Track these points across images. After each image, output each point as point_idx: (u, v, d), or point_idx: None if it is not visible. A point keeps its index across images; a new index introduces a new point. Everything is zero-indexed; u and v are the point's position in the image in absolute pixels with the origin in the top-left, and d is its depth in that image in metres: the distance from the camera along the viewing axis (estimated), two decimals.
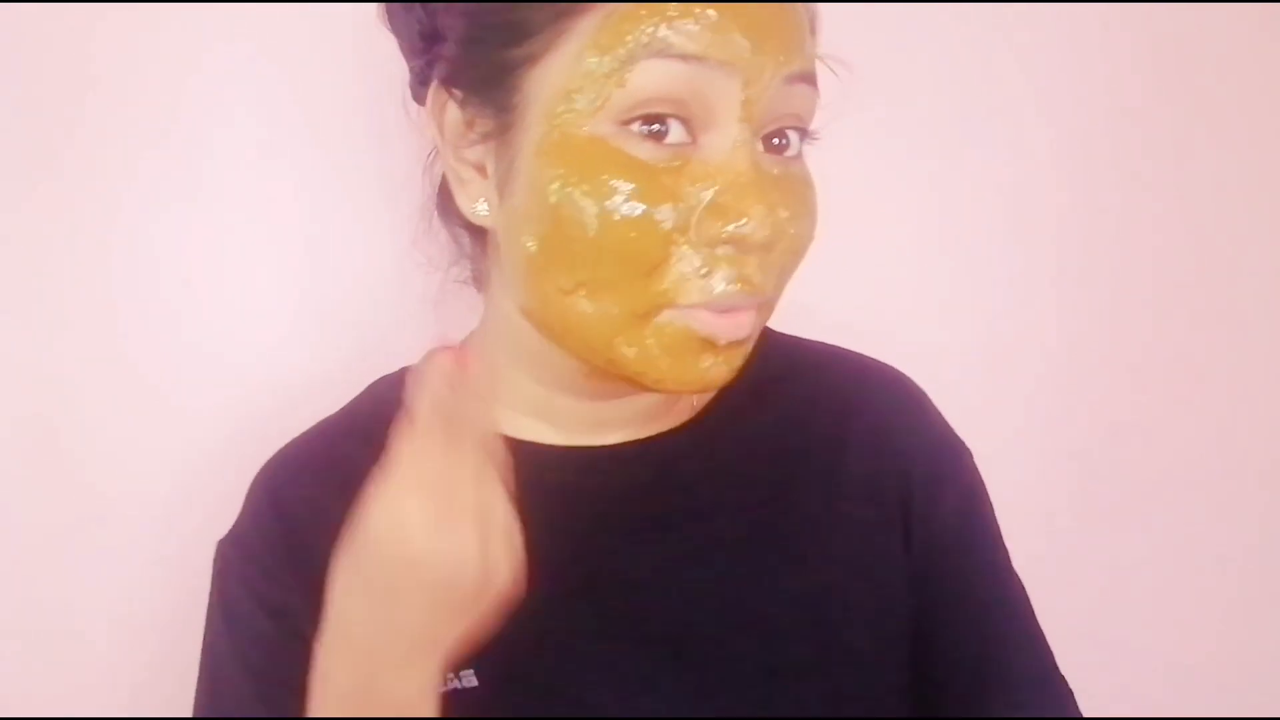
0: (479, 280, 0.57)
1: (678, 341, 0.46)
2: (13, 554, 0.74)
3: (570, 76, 0.44)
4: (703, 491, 0.54)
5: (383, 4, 0.51)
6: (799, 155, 0.48)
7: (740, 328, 0.46)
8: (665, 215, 0.43)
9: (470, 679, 0.50)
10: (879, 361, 0.60)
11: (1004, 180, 0.90)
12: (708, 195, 0.43)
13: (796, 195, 0.47)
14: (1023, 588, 0.56)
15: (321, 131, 0.75)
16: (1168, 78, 0.92)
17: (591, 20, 0.43)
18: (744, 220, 0.43)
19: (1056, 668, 0.55)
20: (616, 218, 0.43)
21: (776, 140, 0.47)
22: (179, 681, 0.56)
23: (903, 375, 0.59)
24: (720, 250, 0.44)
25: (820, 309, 0.63)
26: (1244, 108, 0.95)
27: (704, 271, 0.44)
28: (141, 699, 0.76)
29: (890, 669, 0.54)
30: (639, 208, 0.43)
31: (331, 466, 0.53)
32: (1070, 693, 0.54)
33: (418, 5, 0.49)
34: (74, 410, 0.75)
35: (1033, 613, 0.56)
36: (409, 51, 0.52)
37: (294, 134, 0.75)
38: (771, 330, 0.59)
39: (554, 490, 0.51)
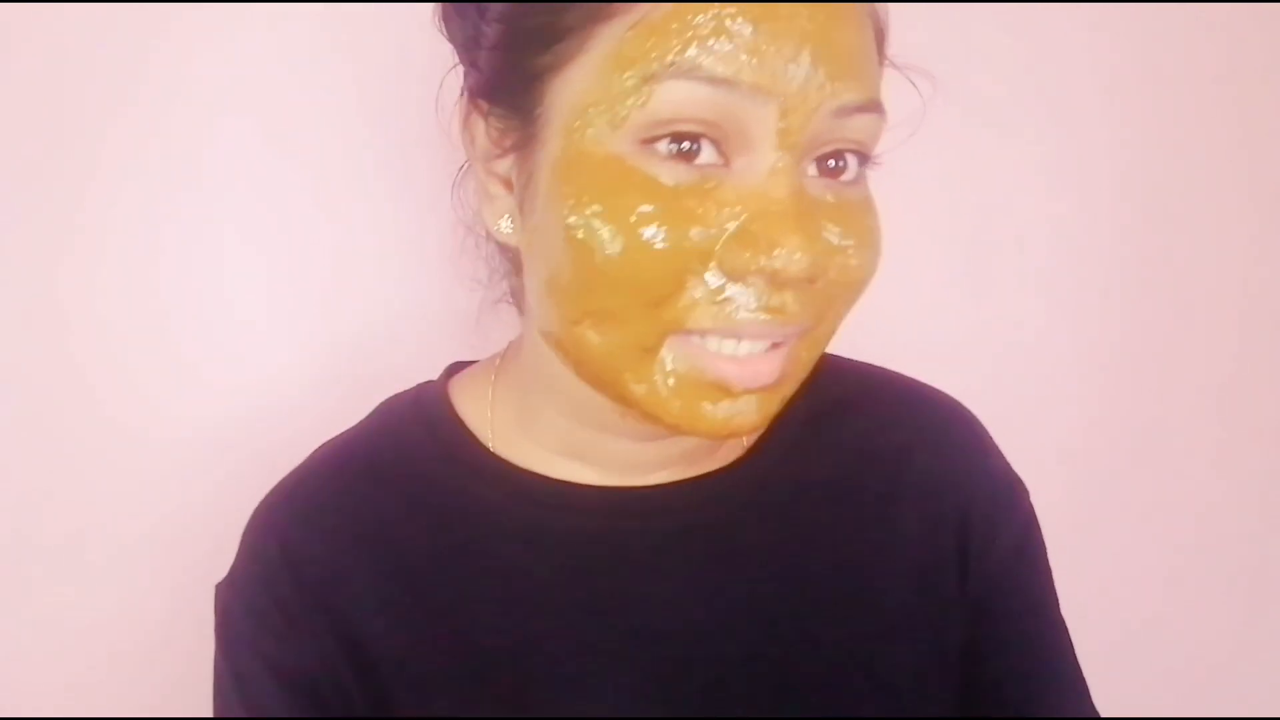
0: (517, 300, 0.52)
1: (688, 383, 0.41)
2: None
3: (589, 90, 0.39)
4: (751, 535, 0.50)
5: (438, 6, 0.47)
6: (858, 179, 0.43)
7: (759, 376, 0.41)
8: (685, 242, 0.39)
9: None
10: (936, 390, 0.56)
11: (1002, 184, 0.89)
12: (735, 223, 0.39)
13: (851, 223, 0.42)
14: (1065, 626, 0.55)
15: (350, 138, 0.73)
16: (1176, 80, 0.91)
17: (619, 26, 0.39)
18: (776, 252, 0.38)
19: (1093, 707, 0.54)
20: (629, 244, 0.38)
21: (832, 163, 0.42)
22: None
23: (962, 407, 0.56)
24: (749, 282, 0.40)
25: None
26: (1244, 108, 0.94)
27: (720, 297, 0.40)
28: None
29: (936, 709, 0.52)
30: (655, 233, 0.38)
31: (346, 512, 0.50)
32: None
33: (471, 9, 0.44)
34: (79, 423, 0.73)
35: (1073, 651, 0.55)
36: (465, 60, 0.47)
37: (319, 140, 0.73)
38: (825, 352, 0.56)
39: (592, 536, 0.49)
